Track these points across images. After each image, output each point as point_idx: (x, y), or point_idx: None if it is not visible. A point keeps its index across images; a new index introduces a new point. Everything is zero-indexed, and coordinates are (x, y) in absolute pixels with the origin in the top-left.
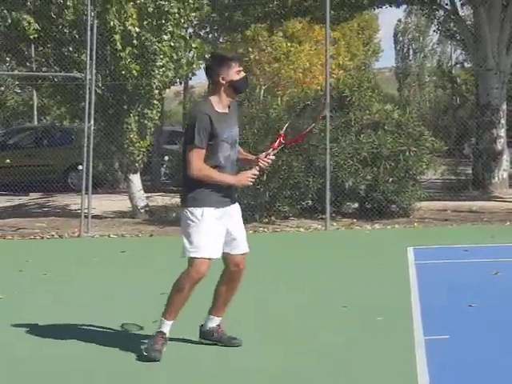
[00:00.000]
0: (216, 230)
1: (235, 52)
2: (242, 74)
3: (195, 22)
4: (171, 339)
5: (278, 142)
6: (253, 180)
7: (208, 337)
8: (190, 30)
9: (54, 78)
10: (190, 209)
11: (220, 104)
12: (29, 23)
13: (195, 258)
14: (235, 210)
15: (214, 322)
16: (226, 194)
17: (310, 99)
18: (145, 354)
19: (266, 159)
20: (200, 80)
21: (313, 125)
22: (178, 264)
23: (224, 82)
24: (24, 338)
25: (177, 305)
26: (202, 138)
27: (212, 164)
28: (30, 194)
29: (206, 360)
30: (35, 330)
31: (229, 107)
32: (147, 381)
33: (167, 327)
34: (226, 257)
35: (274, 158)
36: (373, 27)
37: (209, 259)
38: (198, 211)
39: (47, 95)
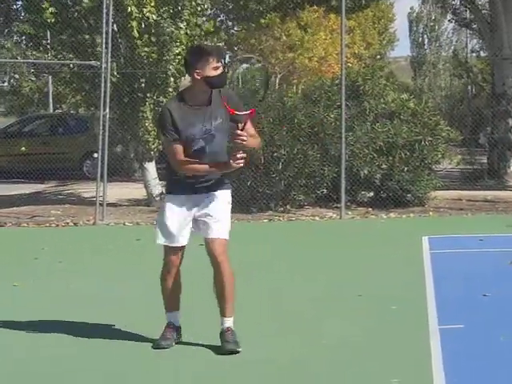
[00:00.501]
0: (178, 217)
1: (217, 47)
2: (220, 71)
3: (209, 12)
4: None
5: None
6: (240, 161)
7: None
8: (205, 19)
9: (70, 65)
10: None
11: (194, 98)
12: (47, 2)
13: (163, 245)
14: (209, 197)
15: (222, 323)
16: (195, 181)
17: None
18: (155, 344)
19: (239, 135)
20: None
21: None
22: (193, 252)
23: (199, 78)
24: (36, 329)
25: (165, 295)
26: (170, 131)
27: (196, 156)
28: (46, 181)
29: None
30: (46, 319)
31: (210, 101)
32: (155, 373)
33: (170, 318)
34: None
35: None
36: (388, 16)
37: (170, 247)
38: (165, 198)
39: (63, 83)
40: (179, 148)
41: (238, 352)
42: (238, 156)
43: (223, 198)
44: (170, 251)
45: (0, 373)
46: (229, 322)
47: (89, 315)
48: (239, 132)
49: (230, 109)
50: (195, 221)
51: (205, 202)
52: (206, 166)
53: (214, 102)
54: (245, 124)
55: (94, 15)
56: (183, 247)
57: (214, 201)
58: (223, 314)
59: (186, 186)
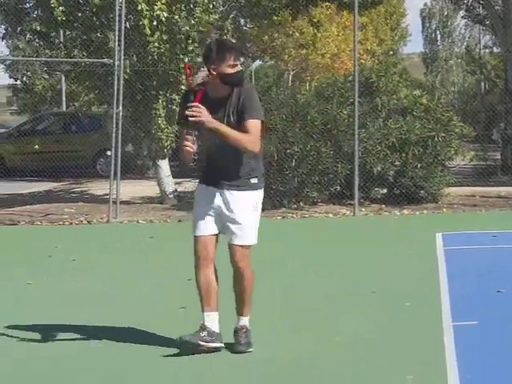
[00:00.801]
0: (204, 207)
1: (239, 43)
2: (237, 69)
3: (221, 9)
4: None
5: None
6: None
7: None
8: (217, 16)
9: (83, 63)
10: (258, 191)
11: (214, 91)
12: (57, 1)
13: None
14: (230, 195)
15: (237, 321)
16: (211, 173)
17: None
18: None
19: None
20: None
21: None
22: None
23: (214, 73)
24: (46, 328)
25: (200, 292)
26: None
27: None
28: (59, 179)
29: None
30: (57, 318)
31: (231, 95)
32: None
33: (204, 317)
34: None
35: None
36: (400, 11)
37: (198, 237)
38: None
39: (76, 81)
40: (182, 137)
41: (249, 352)
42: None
43: (247, 201)
44: (196, 242)
45: (8, 371)
46: (244, 321)
47: (98, 314)
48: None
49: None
50: (220, 219)
51: (226, 200)
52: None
53: (235, 97)
54: (195, 98)
55: (105, 13)
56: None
57: (236, 202)
58: (240, 314)
59: (207, 176)
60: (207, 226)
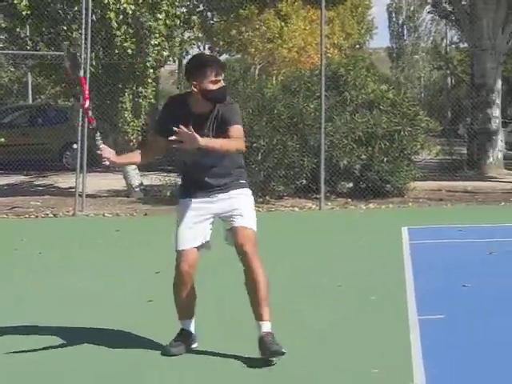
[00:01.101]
0: (191, 218)
1: (217, 59)
2: (219, 85)
3: (188, 3)
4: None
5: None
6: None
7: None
8: (184, 10)
9: (49, 57)
10: (247, 189)
11: (196, 106)
12: None
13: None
14: (224, 196)
15: (258, 329)
16: (197, 185)
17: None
18: (165, 350)
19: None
20: None
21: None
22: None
23: (196, 90)
24: (12, 322)
25: (177, 304)
26: (158, 124)
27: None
28: (25, 172)
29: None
30: (24, 312)
31: (213, 110)
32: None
33: (184, 325)
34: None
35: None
36: (365, 4)
37: (181, 250)
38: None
39: (42, 74)
40: (152, 141)
41: (283, 353)
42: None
43: (245, 195)
44: (178, 257)
45: None
46: (267, 326)
47: (63, 307)
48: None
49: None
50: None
51: (222, 201)
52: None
53: (216, 112)
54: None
55: (71, 6)
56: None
57: (235, 198)
58: (259, 318)
59: (194, 189)
60: (192, 240)
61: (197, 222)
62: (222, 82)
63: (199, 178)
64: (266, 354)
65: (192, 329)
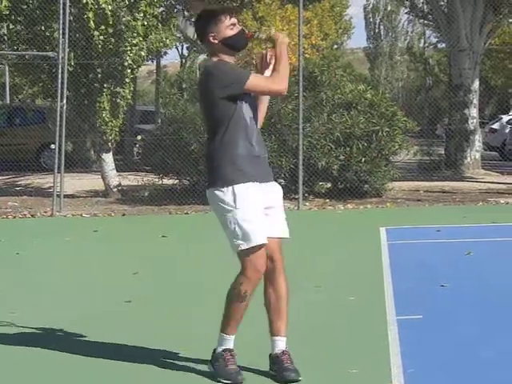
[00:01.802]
0: (259, 209)
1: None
2: (237, 28)
3: (167, 3)
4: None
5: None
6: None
7: (272, 366)
8: (163, 9)
9: (27, 56)
10: (224, 188)
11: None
12: None
13: (245, 250)
14: (276, 187)
15: (274, 346)
16: (258, 163)
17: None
18: (224, 381)
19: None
20: (172, 59)
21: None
22: (151, 244)
23: (216, 42)
24: None
25: (238, 315)
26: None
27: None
28: (2, 173)
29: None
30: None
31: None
32: None
33: (231, 343)
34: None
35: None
36: (342, 3)
37: (261, 246)
38: (232, 189)
39: (20, 74)
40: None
41: (298, 381)
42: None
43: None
44: (258, 255)
45: None
46: (284, 343)
47: (40, 306)
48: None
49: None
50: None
51: (276, 192)
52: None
53: None
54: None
55: (49, 6)
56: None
57: (279, 193)
58: (276, 333)
59: (253, 168)
60: (264, 232)
61: (264, 209)
62: (237, 25)
63: (260, 151)
64: (284, 380)
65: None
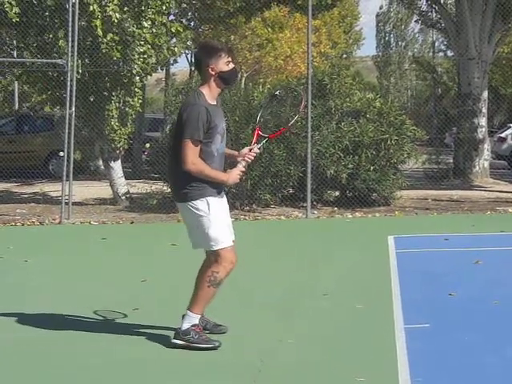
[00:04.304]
0: (223, 216)
1: (221, 42)
2: (232, 65)
3: (176, 10)
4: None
5: (255, 136)
6: (241, 176)
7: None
8: (172, 17)
9: (35, 64)
10: (193, 202)
11: (211, 96)
12: (10, 4)
13: (221, 249)
14: (225, 200)
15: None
16: (219, 184)
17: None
18: (200, 345)
19: (250, 154)
20: (181, 67)
21: (296, 117)
22: (160, 251)
23: (213, 73)
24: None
25: (209, 299)
26: (200, 131)
27: (204, 157)
28: (11, 180)
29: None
30: (10, 318)
31: (216, 100)
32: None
33: (197, 320)
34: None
35: (258, 151)
36: (353, 14)
37: (231, 246)
38: (203, 203)
39: (28, 82)
40: (198, 148)
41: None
42: (239, 171)
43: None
44: (231, 252)
45: None
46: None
47: (49, 315)
48: (256, 150)
49: (256, 127)
50: None
51: (225, 203)
52: (214, 173)
53: (218, 101)
54: (256, 143)
55: (58, 14)
56: None
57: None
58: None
59: (216, 187)
60: (232, 233)
61: (227, 218)
62: (231, 63)
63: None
64: (210, 328)
65: None
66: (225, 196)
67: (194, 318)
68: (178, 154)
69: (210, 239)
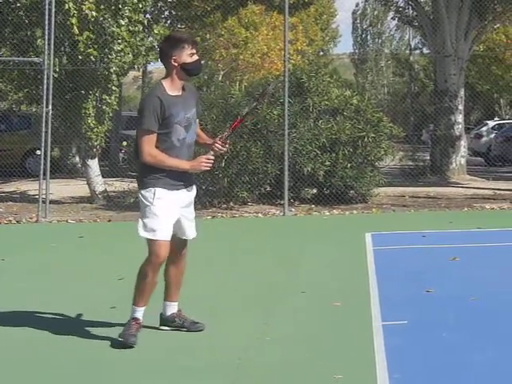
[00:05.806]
0: (169, 211)
1: (190, 34)
2: (195, 57)
3: (153, 9)
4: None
5: (231, 127)
6: (208, 165)
7: (170, 323)
8: (149, 16)
9: (11, 62)
10: (143, 191)
11: (173, 87)
12: None
13: (151, 240)
14: (188, 194)
15: (173, 308)
16: (179, 177)
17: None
18: (120, 339)
19: (219, 143)
20: (158, 65)
21: (253, 105)
22: (137, 249)
23: (176, 64)
24: None
25: (144, 292)
26: (154, 121)
27: (165, 147)
28: None
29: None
30: None
31: (183, 90)
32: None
33: (139, 313)
34: (172, 239)
35: (228, 142)
36: (330, 12)
37: (165, 241)
38: (149, 193)
39: (4, 80)
40: (154, 138)
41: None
42: (205, 159)
43: (193, 196)
44: (161, 247)
45: None
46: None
47: (30, 312)
48: (222, 140)
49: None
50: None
51: (184, 199)
52: (174, 161)
53: (188, 91)
54: (229, 134)
55: (35, 11)
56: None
57: (191, 198)
58: (175, 299)
59: (172, 181)
60: (170, 232)
61: (175, 214)
62: (196, 55)
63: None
64: (187, 326)
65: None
66: (189, 191)
67: (134, 311)
68: (137, 146)
69: (146, 227)
